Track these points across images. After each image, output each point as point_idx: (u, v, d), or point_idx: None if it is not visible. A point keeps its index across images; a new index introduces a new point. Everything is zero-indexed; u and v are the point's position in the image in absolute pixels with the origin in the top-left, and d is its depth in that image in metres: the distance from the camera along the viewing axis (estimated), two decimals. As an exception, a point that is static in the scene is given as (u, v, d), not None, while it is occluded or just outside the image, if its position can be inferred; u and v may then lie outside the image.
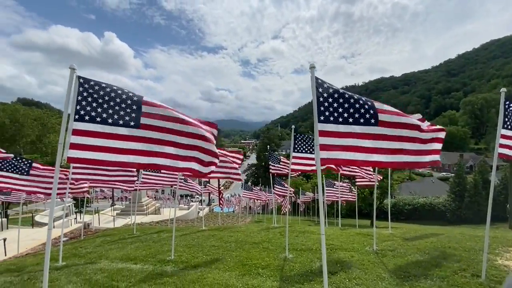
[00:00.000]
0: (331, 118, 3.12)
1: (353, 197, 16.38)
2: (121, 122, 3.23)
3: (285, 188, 15.33)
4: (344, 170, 10.19)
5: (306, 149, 6.78)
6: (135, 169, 10.22)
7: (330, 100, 3.15)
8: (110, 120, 3.17)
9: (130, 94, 3.38)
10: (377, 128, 3.21)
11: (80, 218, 16.41)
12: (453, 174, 42.39)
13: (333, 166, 7.49)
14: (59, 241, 7.20)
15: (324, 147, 3.06)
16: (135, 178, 10.38)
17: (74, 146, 3.08)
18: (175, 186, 11.60)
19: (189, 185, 14.17)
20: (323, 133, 3.09)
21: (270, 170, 11.10)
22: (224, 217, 23.85)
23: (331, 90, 3.18)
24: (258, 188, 24.46)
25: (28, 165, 8.30)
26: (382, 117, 3.24)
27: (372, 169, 11.41)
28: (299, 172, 8.56)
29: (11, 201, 15.91)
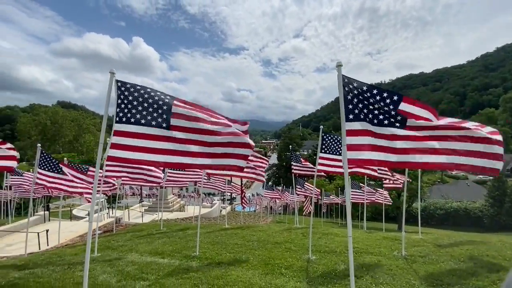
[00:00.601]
0: (361, 116, 3.01)
1: (386, 199, 15.76)
2: (153, 123, 3.40)
3: (307, 189, 15.14)
4: (370, 171, 9.80)
5: (334, 150, 6.64)
6: (161, 168, 10.68)
7: (360, 97, 3.03)
8: (143, 121, 3.36)
9: (162, 96, 3.54)
10: (406, 126, 3.02)
11: (112, 213, 17.48)
12: (491, 177, 39.12)
13: (360, 170, 7.21)
14: (94, 234, 7.74)
15: (352, 147, 2.97)
16: (161, 176, 10.86)
17: (114, 146, 3.30)
18: (199, 184, 11.93)
19: (213, 184, 14.49)
20: (351, 133, 3.00)
21: (293, 171, 11.02)
22: (246, 216, 24.07)
23: (360, 88, 3.06)
24: (280, 188, 24.36)
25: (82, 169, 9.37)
26: (409, 109, 3.03)
27: (393, 171, 10.86)
28: (324, 173, 8.38)
29: (52, 196, 17.33)
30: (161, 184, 11.15)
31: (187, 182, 12.68)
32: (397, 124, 3.01)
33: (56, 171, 8.92)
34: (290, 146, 18.58)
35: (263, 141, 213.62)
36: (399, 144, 3.01)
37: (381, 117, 3.04)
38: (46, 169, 8.91)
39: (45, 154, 9.02)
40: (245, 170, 7.48)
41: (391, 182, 11.16)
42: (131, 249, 7.21)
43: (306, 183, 15.20)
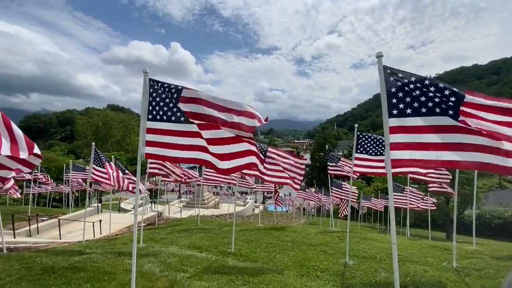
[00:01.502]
0: (407, 111, 2.71)
1: (429, 205, 14.49)
2: (173, 118, 3.44)
3: (344, 191, 14.56)
4: (416, 174, 8.98)
5: (371, 150, 6.31)
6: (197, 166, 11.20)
7: (406, 90, 2.72)
8: (165, 117, 3.44)
9: (174, 89, 3.51)
10: (463, 121, 2.60)
11: (155, 208, 18.79)
12: None
13: (403, 170, 6.65)
14: (139, 226, 8.41)
15: (396, 146, 2.70)
16: (196, 175, 11.43)
17: (149, 144, 3.48)
18: (233, 184, 12.23)
19: (247, 183, 14.71)
20: (395, 130, 2.71)
21: (328, 171, 10.69)
22: (278, 216, 24.01)
23: (406, 79, 2.75)
24: (313, 189, 23.78)
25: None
26: (469, 106, 2.60)
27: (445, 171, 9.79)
28: (359, 175, 7.94)
29: (104, 190, 19.23)
30: (197, 182, 11.69)
31: (222, 182, 13.08)
32: (452, 120, 2.62)
33: (104, 167, 9.93)
34: (327, 145, 18.00)
35: (295, 141, 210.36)
36: (455, 139, 2.61)
37: (434, 111, 2.66)
38: (99, 165, 9.95)
39: (97, 152, 10.06)
40: (279, 175, 7.37)
41: (439, 185, 10.14)
42: (171, 242, 7.67)
43: (343, 184, 14.59)
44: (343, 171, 10.70)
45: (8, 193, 13.42)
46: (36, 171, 18.19)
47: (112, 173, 10.06)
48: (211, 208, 22.95)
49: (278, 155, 7.50)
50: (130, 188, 10.52)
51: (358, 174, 7.22)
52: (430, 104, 2.66)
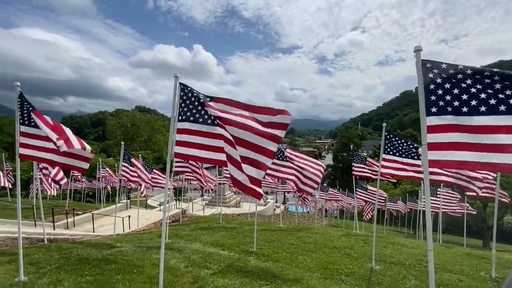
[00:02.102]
0: (448, 108, 2.50)
1: (466, 209, 13.51)
2: (200, 120, 3.57)
3: (369, 193, 14.03)
4: (453, 178, 8.31)
5: (401, 152, 5.99)
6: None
7: (449, 85, 2.49)
8: (192, 118, 3.57)
9: (202, 95, 3.68)
10: None
11: (179, 205, 19.42)
12: None
13: (441, 178, 6.19)
14: (165, 222, 8.73)
15: (435, 146, 2.50)
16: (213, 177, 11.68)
17: (178, 143, 3.64)
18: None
19: (269, 183, 14.68)
20: (434, 129, 2.52)
21: (353, 172, 10.36)
22: (300, 217, 23.72)
23: (451, 72, 2.51)
24: (336, 190, 23.14)
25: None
26: None
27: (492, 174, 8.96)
28: (388, 177, 7.56)
29: (132, 187, 20.23)
30: (218, 182, 11.90)
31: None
32: (503, 116, 2.32)
33: (132, 165, 10.45)
34: (351, 145, 17.43)
35: (317, 141, 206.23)
36: (504, 139, 2.32)
37: (481, 108, 2.40)
38: (127, 163, 10.49)
39: (126, 151, 10.61)
40: (295, 180, 7.32)
41: (480, 189, 9.29)
42: (195, 239, 7.88)
43: (368, 186, 14.05)
44: (369, 173, 10.31)
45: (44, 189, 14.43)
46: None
47: (138, 171, 10.57)
48: (232, 207, 23.24)
49: (296, 156, 7.47)
50: (153, 185, 11.11)
51: (387, 176, 6.89)
52: (475, 101, 2.41)
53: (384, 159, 6.06)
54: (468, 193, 9.96)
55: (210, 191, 38.90)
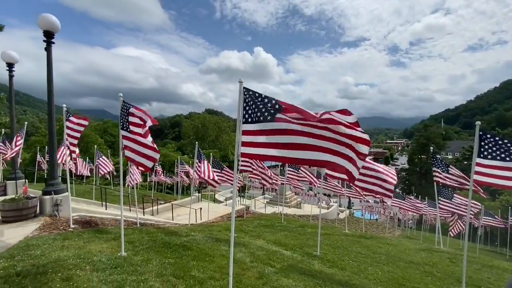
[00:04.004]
0: None
1: None
2: (261, 118, 3.72)
3: (455, 203, 11.91)
4: None
5: (500, 155, 4.90)
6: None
7: None
8: (255, 118, 3.75)
9: (271, 98, 3.82)
10: None
11: (243, 202, 20.48)
12: None
13: None
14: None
15: None
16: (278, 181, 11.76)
17: (244, 144, 3.88)
18: (317, 185, 11.95)
19: (330, 185, 14.08)
20: None
21: (434, 178, 8.99)
22: (367, 224, 21.90)
23: None
24: (413, 197, 20.38)
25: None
26: None
27: None
28: (483, 185, 6.27)
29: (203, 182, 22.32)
30: (279, 182, 12.00)
31: (304, 181, 13.04)
32: None
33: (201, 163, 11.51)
34: (431, 147, 15.17)
35: (388, 141, 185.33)
36: None
37: None
38: (200, 161, 11.61)
39: (199, 150, 11.76)
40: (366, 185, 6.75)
41: None
42: (258, 236, 8.18)
43: (455, 195, 11.94)
44: (454, 181, 8.76)
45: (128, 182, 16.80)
46: (156, 164, 22.94)
47: (204, 168, 11.60)
48: (293, 207, 23.09)
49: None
50: (217, 180, 12.00)
51: (482, 185, 5.74)
52: None
53: (478, 164, 5.03)
54: None
55: (271, 190, 39.61)
